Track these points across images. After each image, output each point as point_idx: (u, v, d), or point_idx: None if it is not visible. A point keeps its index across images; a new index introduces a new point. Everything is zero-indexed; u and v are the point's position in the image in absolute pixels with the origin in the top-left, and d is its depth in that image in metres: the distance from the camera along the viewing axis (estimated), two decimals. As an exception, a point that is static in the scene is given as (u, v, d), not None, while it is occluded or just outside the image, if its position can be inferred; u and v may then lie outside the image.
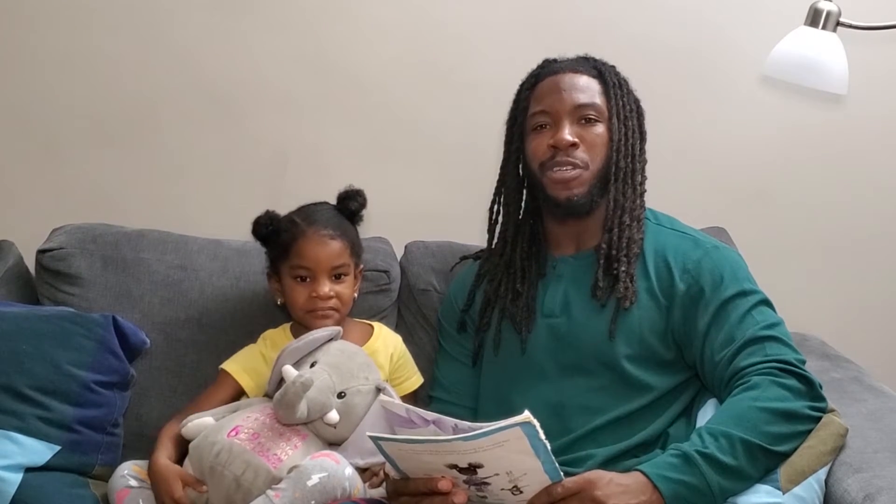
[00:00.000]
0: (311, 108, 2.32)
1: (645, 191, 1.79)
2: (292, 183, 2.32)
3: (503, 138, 1.85)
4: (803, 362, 1.64)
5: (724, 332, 1.67)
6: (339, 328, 1.82)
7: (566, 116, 1.74)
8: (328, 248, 1.84)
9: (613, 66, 1.81)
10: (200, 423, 1.74)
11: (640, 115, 1.81)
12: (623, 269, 1.71)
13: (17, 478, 1.68)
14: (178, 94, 2.29)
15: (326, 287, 1.83)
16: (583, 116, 1.74)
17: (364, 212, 1.93)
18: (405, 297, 2.11)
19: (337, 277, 1.85)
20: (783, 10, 2.16)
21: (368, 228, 2.07)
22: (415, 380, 1.94)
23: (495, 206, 1.87)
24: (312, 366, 1.73)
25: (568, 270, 1.79)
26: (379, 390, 1.73)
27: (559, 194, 1.74)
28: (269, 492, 1.59)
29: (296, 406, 1.65)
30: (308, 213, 1.88)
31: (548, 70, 1.79)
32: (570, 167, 1.73)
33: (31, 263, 2.09)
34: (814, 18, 1.99)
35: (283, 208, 1.94)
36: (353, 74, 2.31)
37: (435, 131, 2.34)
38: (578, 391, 1.72)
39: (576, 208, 1.75)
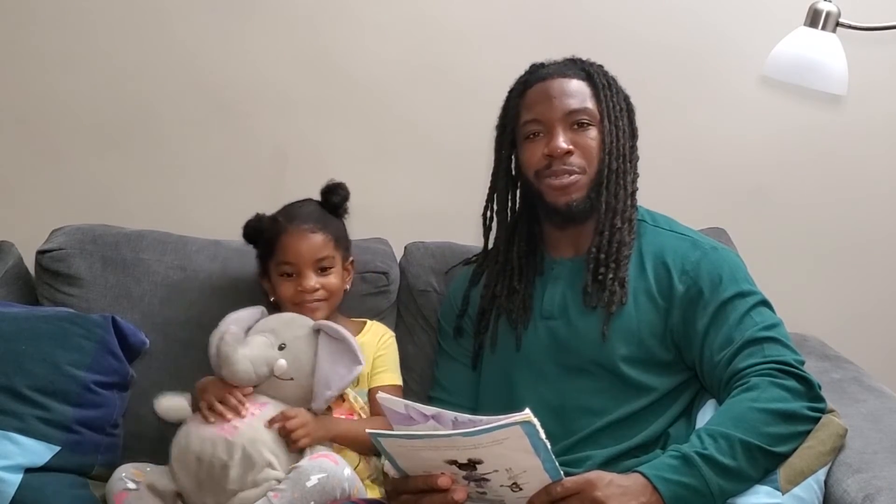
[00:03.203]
0: (310, 109, 2.32)
1: (636, 189, 1.78)
2: (292, 184, 2.31)
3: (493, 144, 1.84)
4: (802, 363, 1.64)
5: (723, 333, 1.66)
6: (261, 307, 1.87)
7: (559, 123, 1.73)
8: (309, 241, 1.86)
9: (601, 66, 1.79)
10: (172, 403, 1.81)
11: (630, 112, 1.80)
12: (611, 275, 1.71)
13: (16, 478, 1.68)
14: (177, 95, 2.29)
15: (312, 280, 1.86)
16: (575, 122, 1.73)
17: (348, 204, 1.95)
18: (405, 298, 2.10)
19: (322, 270, 1.88)
20: (783, 11, 2.16)
21: (368, 229, 2.08)
22: (387, 377, 1.91)
23: (488, 212, 1.88)
24: None
25: (565, 272, 1.78)
26: (317, 331, 1.77)
27: (558, 201, 1.74)
28: (269, 493, 1.59)
29: (231, 356, 1.71)
30: (289, 211, 1.92)
31: (536, 76, 1.78)
32: (566, 174, 1.72)
33: (30, 264, 2.09)
34: (813, 19, 1.99)
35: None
36: (353, 75, 2.31)
37: (435, 132, 2.34)
38: (578, 393, 1.72)
39: (575, 214, 1.74)
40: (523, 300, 1.79)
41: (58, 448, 1.74)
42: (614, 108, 1.75)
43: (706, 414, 1.71)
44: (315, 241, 1.87)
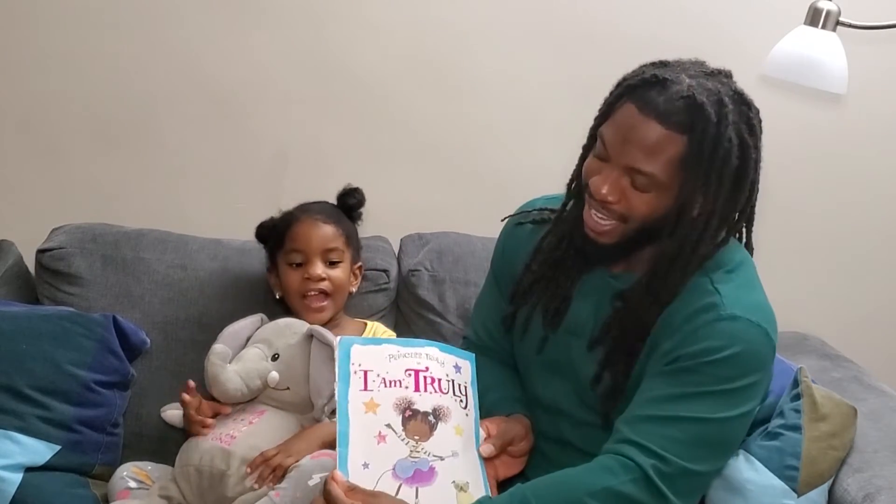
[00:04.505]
0: (311, 108, 2.32)
1: (707, 258, 1.48)
2: (292, 183, 2.32)
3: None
4: (697, 477, 1.44)
5: (665, 392, 1.43)
6: (261, 315, 1.87)
7: (616, 168, 1.45)
8: (320, 230, 1.89)
9: (724, 119, 1.41)
10: (175, 413, 1.82)
11: (737, 182, 1.44)
12: (615, 356, 1.52)
13: (17, 477, 1.68)
14: (178, 94, 2.29)
15: (319, 269, 1.87)
16: (634, 180, 1.44)
17: (363, 210, 1.99)
18: (401, 289, 2.11)
19: (331, 264, 1.89)
20: (783, 10, 2.16)
21: (368, 227, 2.08)
22: None
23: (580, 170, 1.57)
24: None
25: (596, 289, 1.58)
26: (311, 336, 1.77)
27: (587, 230, 1.52)
28: (270, 492, 1.59)
29: (219, 376, 1.71)
30: (303, 205, 1.95)
31: (638, 95, 1.44)
32: (602, 218, 1.48)
33: (30, 263, 2.09)
34: (813, 18, 1.99)
35: (284, 208, 1.97)
36: (353, 74, 2.31)
37: (435, 131, 2.34)
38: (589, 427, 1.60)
39: (590, 253, 1.54)
40: (558, 307, 1.60)
41: (58, 447, 1.75)
42: (706, 181, 1.42)
43: (737, 465, 1.65)
44: (325, 231, 1.89)
